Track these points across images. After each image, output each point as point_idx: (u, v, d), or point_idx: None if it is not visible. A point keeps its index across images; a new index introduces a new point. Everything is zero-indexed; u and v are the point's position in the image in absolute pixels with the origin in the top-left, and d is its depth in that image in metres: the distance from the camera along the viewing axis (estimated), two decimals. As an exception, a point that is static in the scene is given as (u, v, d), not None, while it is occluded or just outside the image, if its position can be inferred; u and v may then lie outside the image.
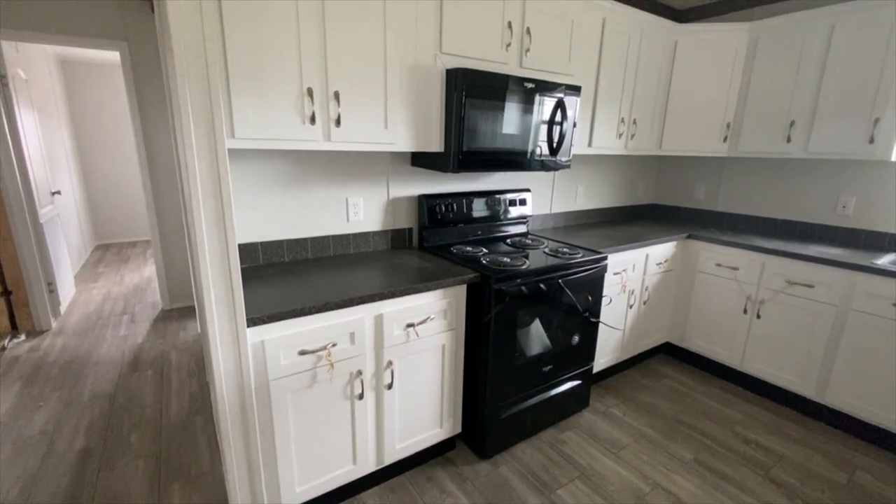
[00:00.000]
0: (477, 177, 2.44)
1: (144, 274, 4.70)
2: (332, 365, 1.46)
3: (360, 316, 1.51)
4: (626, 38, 2.45)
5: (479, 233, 2.39)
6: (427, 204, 2.15)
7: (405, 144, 1.79)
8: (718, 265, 2.63)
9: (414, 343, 1.67)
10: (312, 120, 1.51)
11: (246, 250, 1.79)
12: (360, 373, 1.55)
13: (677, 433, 2.19)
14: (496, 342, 1.82)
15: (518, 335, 1.89)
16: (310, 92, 1.49)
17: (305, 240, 1.92)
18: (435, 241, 2.22)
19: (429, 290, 1.64)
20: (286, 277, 1.66)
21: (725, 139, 2.76)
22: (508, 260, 1.94)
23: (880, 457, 2.06)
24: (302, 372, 1.42)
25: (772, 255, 2.38)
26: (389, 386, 1.64)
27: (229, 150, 1.60)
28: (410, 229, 2.23)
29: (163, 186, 3.55)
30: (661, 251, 2.64)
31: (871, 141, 2.19)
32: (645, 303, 2.66)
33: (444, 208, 2.19)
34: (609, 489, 1.81)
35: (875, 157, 2.20)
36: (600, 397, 2.49)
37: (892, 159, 2.18)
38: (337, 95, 1.54)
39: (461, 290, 1.77)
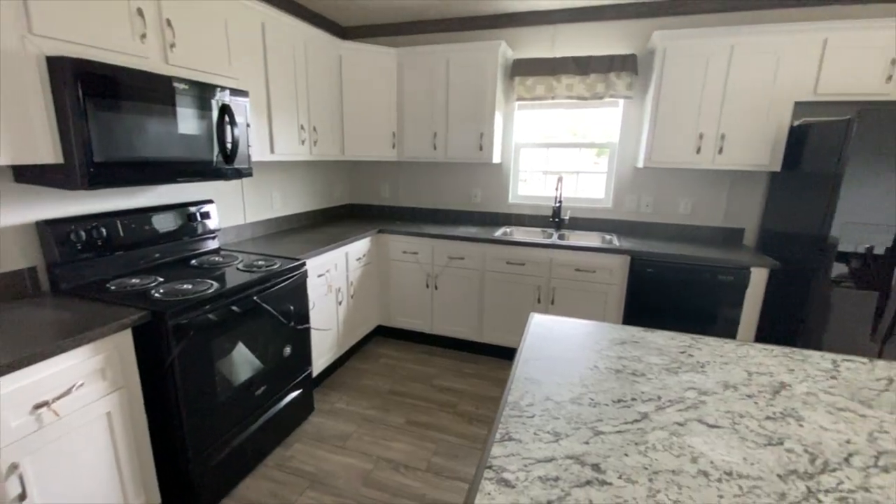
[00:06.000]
0: (134, 191, 2.00)
1: None
2: None
3: (-68, 420, 1.00)
4: (292, 48, 2.49)
5: (157, 256, 1.99)
6: (54, 233, 1.61)
7: (-12, 156, 1.26)
8: (404, 252, 3.11)
9: (54, 427, 1.24)
10: None
11: None
12: (-51, 503, 1.04)
13: (392, 404, 2.51)
14: (188, 385, 1.57)
15: (218, 367, 1.69)
16: None
17: None
18: (80, 280, 1.70)
19: (66, 349, 1.24)
20: None
21: (394, 146, 3.25)
22: (190, 286, 1.69)
23: (516, 368, 2.97)
24: None
25: (436, 238, 3.00)
26: (21, 497, 1.17)
27: None
28: (33, 269, 1.63)
29: None
30: (358, 247, 2.90)
31: (481, 148, 3.05)
32: (352, 296, 2.88)
33: (85, 235, 1.69)
34: (338, 484, 1.89)
35: (483, 160, 3.08)
36: (325, 396, 2.56)
37: (493, 162, 3.10)
38: None
39: (124, 337, 1.43)
